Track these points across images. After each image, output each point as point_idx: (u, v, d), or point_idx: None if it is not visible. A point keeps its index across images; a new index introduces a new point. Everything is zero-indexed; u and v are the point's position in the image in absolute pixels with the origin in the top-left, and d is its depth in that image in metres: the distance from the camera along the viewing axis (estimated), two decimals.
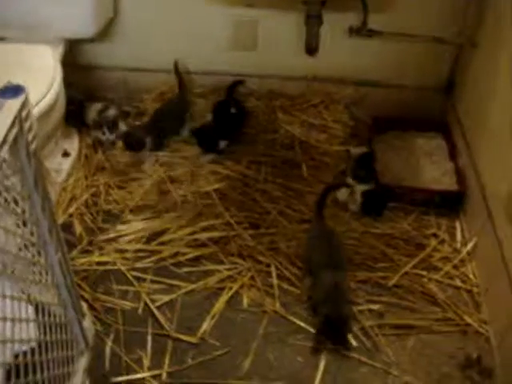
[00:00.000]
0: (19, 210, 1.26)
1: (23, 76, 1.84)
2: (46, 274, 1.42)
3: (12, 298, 1.19)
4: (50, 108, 1.84)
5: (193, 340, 1.75)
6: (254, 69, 2.49)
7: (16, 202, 1.23)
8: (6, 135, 1.08)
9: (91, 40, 2.33)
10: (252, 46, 2.42)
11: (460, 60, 2.38)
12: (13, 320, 1.19)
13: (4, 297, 1.14)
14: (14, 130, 1.13)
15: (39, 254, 1.37)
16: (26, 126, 1.19)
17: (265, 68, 2.48)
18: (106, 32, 2.39)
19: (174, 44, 2.45)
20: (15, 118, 1.14)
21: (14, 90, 1.19)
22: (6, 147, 1.08)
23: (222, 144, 2.31)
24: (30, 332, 1.34)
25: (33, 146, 1.23)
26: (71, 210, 2.13)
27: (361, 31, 2.21)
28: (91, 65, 2.54)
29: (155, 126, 2.33)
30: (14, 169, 1.18)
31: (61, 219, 2.09)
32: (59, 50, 2.14)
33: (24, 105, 1.17)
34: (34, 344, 1.37)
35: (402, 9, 2.25)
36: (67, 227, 2.06)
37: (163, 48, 2.46)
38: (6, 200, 1.16)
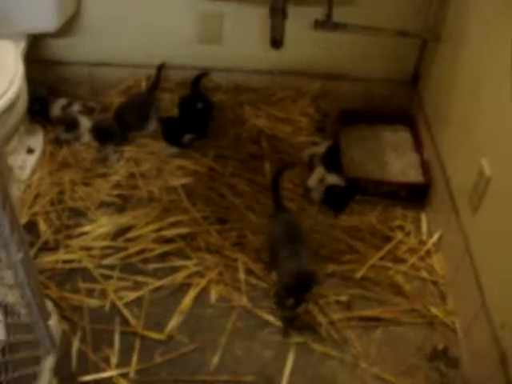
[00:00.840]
0: None
1: None
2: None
3: None
4: (11, 105, 1.79)
5: (161, 337, 1.74)
6: (220, 62, 2.47)
7: None
8: None
9: (55, 34, 2.28)
10: (217, 39, 2.41)
11: (425, 53, 2.39)
12: None
13: None
14: None
15: None
16: None
17: (231, 61, 2.47)
18: (69, 26, 2.35)
19: (138, 37, 2.43)
20: None
21: None
22: None
23: (187, 138, 2.29)
24: None
25: None
26: (36, 207, 2.09)
27: (326, 24, 2.21)
28: (55, 59, 2.50)
29: (119, 120, 2.30)
30: None
31: (25, 217, 2.05)
32: (21, 45, 2.09)
33: None
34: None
35: (367, 2, 2.26)
36: (32, 225, 2.03)
37: (128, 42, 2.44)
38: None
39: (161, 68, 2.44)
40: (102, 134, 2.26)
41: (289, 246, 1.81)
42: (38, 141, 2.34)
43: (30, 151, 2.29)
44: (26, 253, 1.43)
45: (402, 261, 1.99)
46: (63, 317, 1.77)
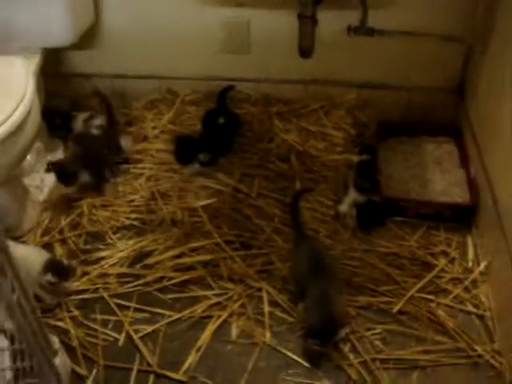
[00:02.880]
0: None
1: None
2: None
3: None
4: (19, 126, 1.68)
5: (177, 376, 1.59)
6: (249, 72, 2.32)
7: None
8: None
9: (75, 46, 2.16)
10: (245, 48, 2.26)
11: (471, 60, 2.18)
12: None
13: None
14: None
15: None
16: None
17: (260, 71, 2.31)
18: (88, 38, 2.24)
19: (162, 48, 2.30)
20: None
21: None
22: None
23: (203, 157, 2.13)
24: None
25: None
26: (52, 231, 1.99)
27: (360, 30, 2.02)
28: (77, 72, 2.40)
29: (91, 157, 2.11)
30: None
31: (40, 241, 1.96)
32: (35, 61, 1.98)
33: None
34: None
35: (405, 5, 2.06)
36: (47, 249, 1.92)
37: (151, 53, 2.31)
38: None
39: (99, 94, 2.27)
40: (63, 178, 2.06)
41: (315, 281, 1.64)
42: (58, 158, 2.24)
43: (49, 169, 2.19)
44: (23, 292, 1.32)
45: (445, 292, 1.79)
46: (74, 353, 1.65)
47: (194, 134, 2.23)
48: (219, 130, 2.19)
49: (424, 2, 2.06)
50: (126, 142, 2.24)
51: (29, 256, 1.71)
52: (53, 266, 1.70)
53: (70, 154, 2.21)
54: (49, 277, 1.67)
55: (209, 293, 1.79)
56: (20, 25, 1.97)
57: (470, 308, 1.76)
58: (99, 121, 2.28)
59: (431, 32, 2.05)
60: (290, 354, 1.65)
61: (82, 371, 1.61)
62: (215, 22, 2.21)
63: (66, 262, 1.75)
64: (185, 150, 2.12)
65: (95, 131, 2.24)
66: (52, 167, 2.06)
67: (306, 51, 2.01)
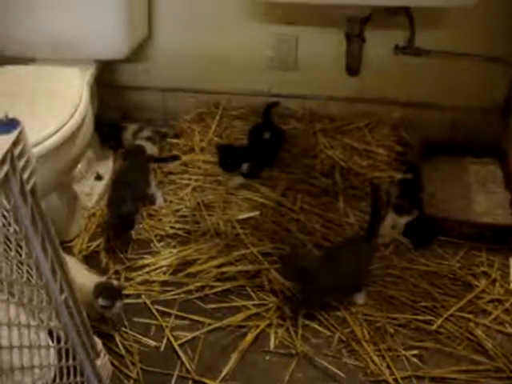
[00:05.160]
0: (12, 253, 1.18)
1: (46, 101, 1.82)
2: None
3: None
4: (73, 134, 1.75)
5: None
6: (296, 89, 2.36)
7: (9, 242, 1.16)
8: None
9: (128, 59, 2.23)
10: (292, 64, 2.30)
11: None
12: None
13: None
14: (4, 169, 1.06)
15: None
16: (21, 163, 1.11)
17: (306, 88, 2.35)
18: (141, 52, 2.32)
19: (211, 63, 2.35)
20: (5, 155, 1.06)
21: (8, 125, 1.11)
22: None
23: (245, 167, 2.18)
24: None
25: (30, 184, 1.15)
26: (98, 237, 2.06)
27: (407, 49, 2.04)
28: (130, 84, 2.48)
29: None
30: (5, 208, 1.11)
31: (88, 246, 2.03)
32: (89, 72, 2.06)
33: (17, 141, 1.09)
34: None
35: (452, 26, 2.07)
36: (93, 255, 2.00)
37: (200, 68, 2.37)
38: None
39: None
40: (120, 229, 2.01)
41: None
42: (107, 167, 2.32)
43: (99, 178, 2.26)
44: (71, 293, 1.38)
45: (485, 313, 1.79)
46: (117, 355, 1.70)
47: (231, 144, 2.29)
48: (264, 144, 2.23)
49: (470, 23, 2.06)
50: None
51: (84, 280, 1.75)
52: (104, 290, 1.71)
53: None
54: (101, 301, 1.70)
55: (248, 303, 1.83)
56: (76, 37, 2.05)
57: (510, 330, 1.74)
58: (147, 133, 2.36)
59: (477, 53, 2.06)
60: (327, 365, 1.66)
61: (123, 375, 1.66)
62: (264, 39, 2.26)
63: (115, 283, 1.76)
64: (228, 157, 2.18)
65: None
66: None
67: (353, 69, 2.04)
